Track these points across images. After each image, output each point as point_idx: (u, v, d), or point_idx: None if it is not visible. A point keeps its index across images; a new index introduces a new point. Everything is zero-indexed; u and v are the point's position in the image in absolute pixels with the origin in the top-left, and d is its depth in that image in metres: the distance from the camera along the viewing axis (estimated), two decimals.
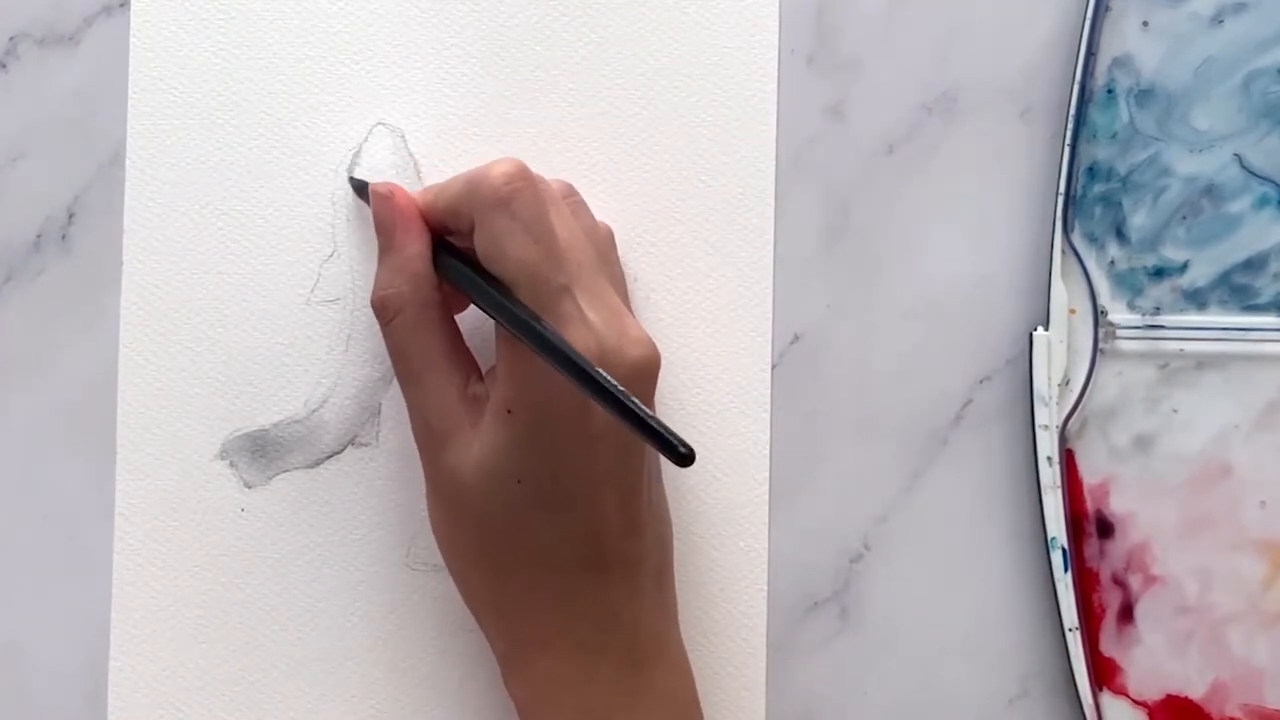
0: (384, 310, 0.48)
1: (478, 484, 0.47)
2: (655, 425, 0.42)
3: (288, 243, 0.53)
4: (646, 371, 0.47)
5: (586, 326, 0.45)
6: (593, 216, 0.51)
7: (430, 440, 0.48)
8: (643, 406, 0.43)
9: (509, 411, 0.46)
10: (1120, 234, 0.53)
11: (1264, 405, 0.53)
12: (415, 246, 0.49)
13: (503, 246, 0.46)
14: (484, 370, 0.49)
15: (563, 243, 0.47)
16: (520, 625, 0.48)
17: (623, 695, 0.47)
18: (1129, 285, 0.54)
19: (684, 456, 0.41)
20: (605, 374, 0.44)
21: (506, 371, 0.46)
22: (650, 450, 0.48)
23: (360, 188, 0.53)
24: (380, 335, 0.50)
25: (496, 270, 0.46)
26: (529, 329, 0.45)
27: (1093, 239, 0.53)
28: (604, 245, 0.51)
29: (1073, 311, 0.53)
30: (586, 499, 0.46)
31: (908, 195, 0.54)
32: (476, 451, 0.47)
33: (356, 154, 0.54)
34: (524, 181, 0.46)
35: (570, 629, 0.47)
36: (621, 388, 0.43)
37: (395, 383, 0.51)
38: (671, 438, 0.42)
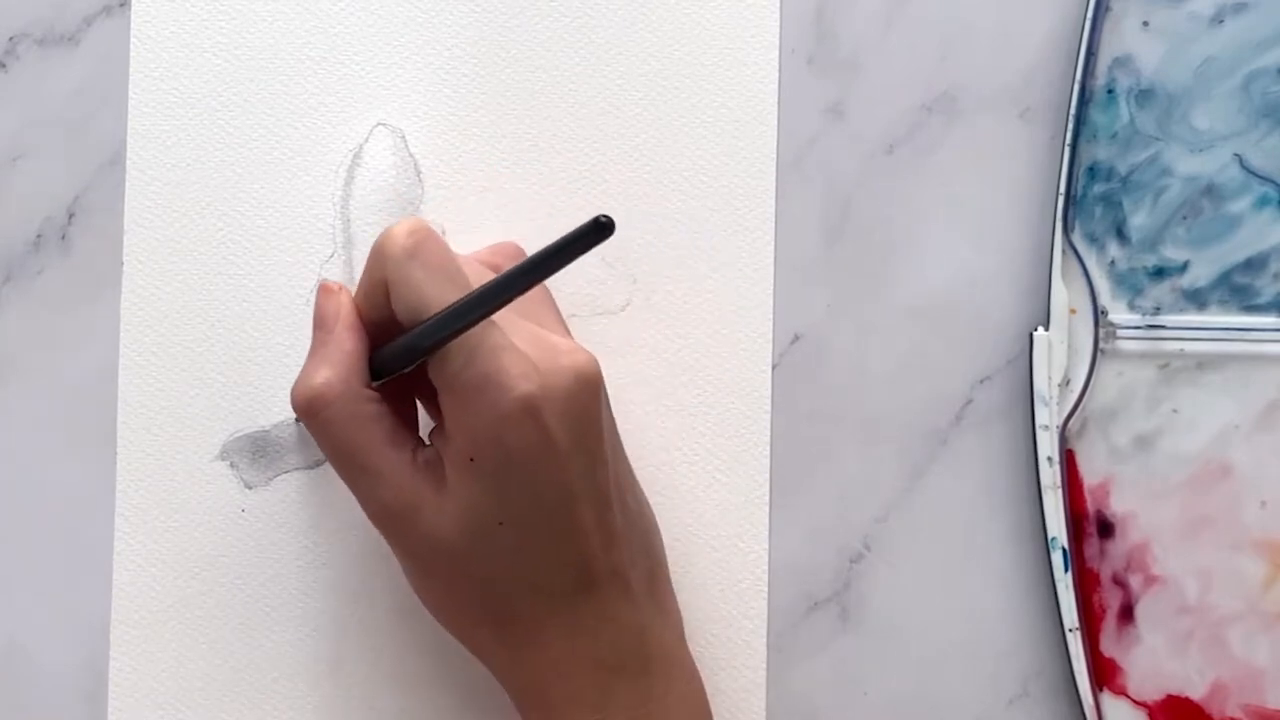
0: (313, 402, 0.47)
1: (463, 541, 0.46)
2: (570, 236, 0.41)
3: (288, 243, 0.53)
4: (588, 375, 0.46)
5: (518, 353, 0.45)
6: (479, 259, 0.51)
7: (395, 521, 0.47)
8: (553, 243, 0.42)
9: (471, 460, 0.46)
10: (1120, 234, 0.53)
11: (1264, 405, 0.53)
12: (354, 343, 0.48)
13: (421, 294, 0.46)
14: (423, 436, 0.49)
15: (473, 282, 0.46)
16: (530, 660, 0.48)
17: (638, 706, 0.47)
18: (1129, 285, 0.54)
19: (603, 226, 0.40)
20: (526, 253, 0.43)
21: (455, 422, 0.46)
22: (618, 457, 0.48)
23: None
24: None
25: (418, 321, 0.46)
26: (474, 303, 0.44)
27: (1093, 239, 0.53)
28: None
29: (1073, 311, 0.53)
30: (565, 521, 0.46)
31: (908, 195, 0.54)
32: (452, 511, 0.46)
33: (357, 154, 0.54)
34: (426, 231, 0.46)
35: (580, 651, 0.47)
36: (541, 251, 0.43)
37: None
38: (585, 227, 0.41)
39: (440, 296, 0.46)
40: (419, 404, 0.50)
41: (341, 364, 0.48)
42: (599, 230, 0.40)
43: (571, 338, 0.50)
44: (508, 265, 0.50)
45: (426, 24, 0.54)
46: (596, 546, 0.47)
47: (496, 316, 0.46)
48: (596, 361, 0.47)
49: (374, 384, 0.48)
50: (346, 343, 0.48)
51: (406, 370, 0.47)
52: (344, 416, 0.47)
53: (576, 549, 0.47)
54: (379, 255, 0.47)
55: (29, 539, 0.54)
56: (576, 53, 0.54)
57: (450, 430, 0.46)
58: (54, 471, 0.54)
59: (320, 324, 0.49)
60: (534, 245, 0.45)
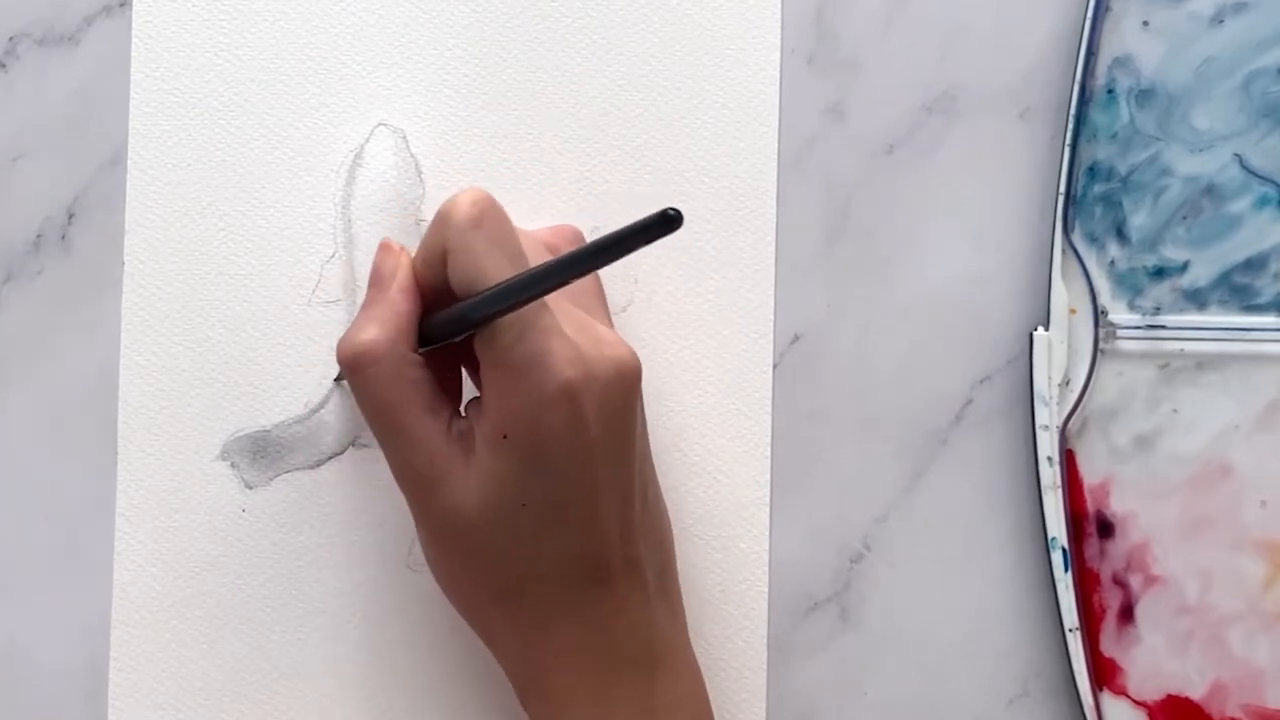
0: (359, 358, 0.47)
1: (483, 518, 0.46)
2: (636, 225, 0.40)
3: (289, 243, 0.53)
4: (629, 369, 0.47)
5: (566, 338, 0.45)
6: (539, 237, 0.51)
7: (420, 486, 0.47)
8: (617, 231, 0.41)
9: (504, 438, 0.46)
10: (1120, 234, 0.54)
11: (1264, 405, 0.53)
12: (407, 305, 0.48)
13: (480, 266, 0.46)
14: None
15: (531, 259, 0.47)
16: (537, 646, 0.48)
17: (640, 702, 0.47)
18: (1129, 285, 0.54)
19: (671, 219, 0.39)
20: (590, 243, 0.43)
21: (494, 398, 0.46)
22: (645, 454, 0.48)
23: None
24: None
25: (473, 292, 0.46)
26: (531, 281, 0.44)
27: (1093, 239, 0.54)
28: (562, 249, 0.51)
29: (1073, 311, 0.53)
30: (587, 511, 0.46)
31: (908, 195, 0.54)
32: (477, 485, 0.46)
33: (358, 155, 0.54)
34: (490, 204, 0.47)
35: (587, 643, 0.47)
36: (605, 238, 0.42)
37: None
38: (652, 218, 0.40)
39: (497, 270, 0.46)
40: (465, 374, 0.50)
41: (391, 324, 0.48)
42: (666, 222, 0.39)
43: (614, 329, 0.50)
44: (565, 247, 0.50)
45: (427, 24, 0.54)
46: (615, 539, 0.47)
47: (548, 299, 0.46)
48: (638, 358, 0.47)
49: (421, 349, 0.48)
50: (400, 304, 0.48)
51: (455, 340, 0.47)
52: (386, 376, 0.47)
53: (595, 539, 0.47)
54: (442, 221, 0.47)
55: (29, 539, 0.54)
56: (576, 53, 0.54)
57: (488, 405, 0.46)
58: (54, 471, 0.54)
59: (376, 281, 0.49)
60: None
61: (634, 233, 0.41)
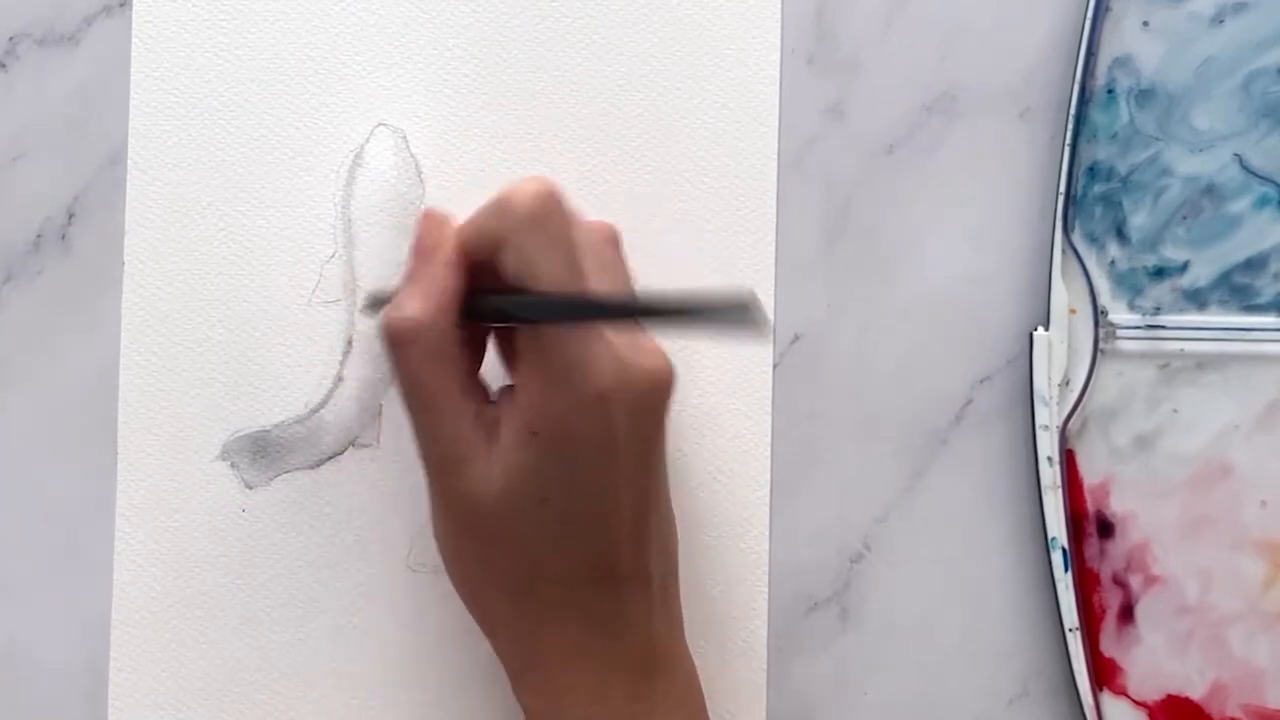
0: (402, 333, 0.47)
1: (502, 506, 0.46)
2: (717, 312, 0.40)
3: (289, 243, 0.53)
4: (664, 380, 0.47)
5: (607, 344, 0.45)
6: (588, 228, 0.51)
7: (443, 466, 0.47)
8: (693, 294, 0.42)
9: (533, 433, 0.46)
10: (1120, 234, 0.54)
11: (1264, 405, 0.53)
12: (453, 280, 0.47)
13: (535, 265, 0.45)
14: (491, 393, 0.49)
15: (584, 263, 0.46)
16: (537, 641, 0.48)
17: (636, 703, 0.48)
18: (1129, 285, 0.54)
19: (754, 320, 0.39)
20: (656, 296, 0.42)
21: (529, 394, 0.46)
22: (664, 463, 0.48)
23: (375, 304, 0.52)
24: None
25: (523, 286, 0.46)
26: (587, 309, 0.44)
27: (1093, 239, 0.54)
28: (608, 250, 0.51)
29: (1073, 311, 0.53)
30: (604, 514, 0.46)
31: (908, 195, 0.54)
32: (499, 475, 0.46)
33: (358, 155, 0.54)
34: (555, 201, 0.46)
35: (587, 642, 0.47)
36: (674, 298, 0.42)
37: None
38: (734, 309, 0.40)
39: (551, 276, 0.45)
40: (493, 349, 0.50)
41: (434, 300, 0.47)
42: (744, 321, 0.40)
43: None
44: (604, 259, 0.50)
45: (427, 24, 0.54)
46: (627, 545, 0.47)
47: (595, 290, 0.46)
48: (674, 369, 0.47)
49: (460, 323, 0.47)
50: (446, 279, 0.47)
51: (494, 326, 0.47)
52: (427, 354, 0.47)
53: (608, 542, 0.47)
54: (502, 209, 0.46)
55: (29, 539, 0.54)
56: (576, 53, 0.54)
57: (520, 399, 0.46)
58: (54, 471, 0.54)
59: (420, 252, 0.48)
60: None
61: (710, 318, 0.41)
